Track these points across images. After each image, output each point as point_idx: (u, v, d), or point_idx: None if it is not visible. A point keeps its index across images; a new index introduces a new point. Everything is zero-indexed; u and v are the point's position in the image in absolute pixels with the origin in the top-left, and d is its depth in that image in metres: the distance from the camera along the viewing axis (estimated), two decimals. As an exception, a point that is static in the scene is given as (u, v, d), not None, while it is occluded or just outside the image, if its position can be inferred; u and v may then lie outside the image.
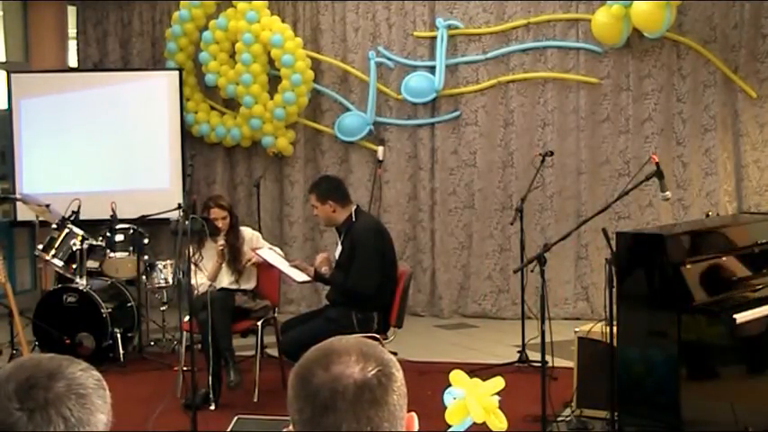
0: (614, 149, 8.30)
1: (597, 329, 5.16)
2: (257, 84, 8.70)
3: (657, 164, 4.99)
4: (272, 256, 6.09)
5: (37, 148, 8.87)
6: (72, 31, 9.79)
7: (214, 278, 6.20)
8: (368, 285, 5.59)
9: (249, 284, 6.32)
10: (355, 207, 5.83)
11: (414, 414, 1.49)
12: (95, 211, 7.58)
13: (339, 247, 5.84)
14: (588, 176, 8.33)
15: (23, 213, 8.41)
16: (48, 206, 7.36)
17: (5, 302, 6.61)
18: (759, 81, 7.99)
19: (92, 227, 7.38)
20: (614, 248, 4.76)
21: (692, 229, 5.47)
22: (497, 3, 8.53)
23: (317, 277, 5.84)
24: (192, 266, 5.64)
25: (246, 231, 6.41)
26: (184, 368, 5.83)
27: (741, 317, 4.49)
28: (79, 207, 7.28)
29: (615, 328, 4.77)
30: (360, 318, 5.60)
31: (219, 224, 6.17)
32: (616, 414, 4.78)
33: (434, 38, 8.60)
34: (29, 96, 8.90)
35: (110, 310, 7.00)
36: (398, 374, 1.46)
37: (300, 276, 5.87)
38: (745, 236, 5.26)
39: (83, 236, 7.07)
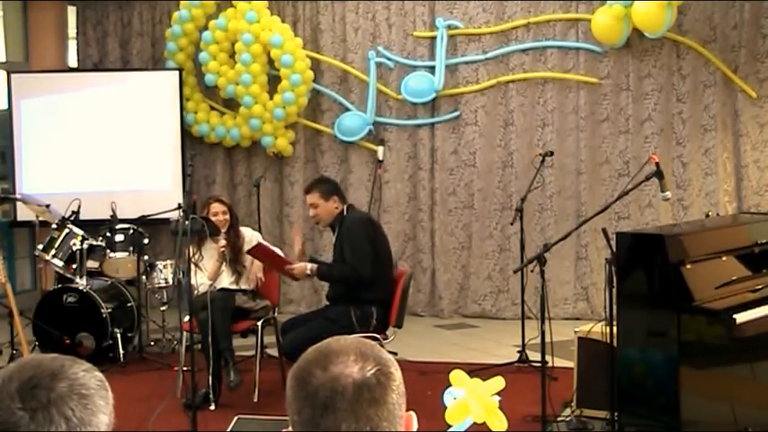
0: (614, 149, 8.30)
1: (597, 329, 5.16)
2: (257, 84, 8.70)
3: (657, 164, 5.00)
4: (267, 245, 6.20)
5: (37, 148, 8.87)
6: (72, 31, 9.79)
7: (215, 278, 6.20)
8: (366, 267, 5.62)
9: (249, 284, 6.32)
10: (346, 205, 5.90)
11: (412, 413, 1.49)
12: (95, 211, 7.59)
13: (333, 242, 5.89)
14: (588, 176, 8.33)
15: (23, 213, 8.41)
16: (48, 206, 7.36)
17: (5, 302, 6.61)
18: (759, 81, 7.99)
19: (92, 227, 7.38)
20: (614, 248, 4.76)
21: (692, 229, 5.47)
22: (497, 3, 8.53)
23: (318, 272, 5.87)
24: (192, 266, 5.65)
25: (246, 231, 6.42)
26: (184, 368, 5.82)
27: (741, 317, 4.49)
28: (79, 207, 7.28)
29: (615, 328, 4.78)
30: (358, 314, 5.61)
31: (220, 218, 6.19)
32: (616, 414, 4.78)
33: (434, 38, 8.60)
34: (29, 96, 8.91)
35: (110, 310, 7.01)
36: (397, 374, 1.46)
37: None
38: (745, 236, 5.26)
39: (83, 236, 7.07)
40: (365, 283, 5.63)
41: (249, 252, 6.10)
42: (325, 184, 5.98)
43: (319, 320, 5.72)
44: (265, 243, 6.26)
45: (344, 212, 5.83)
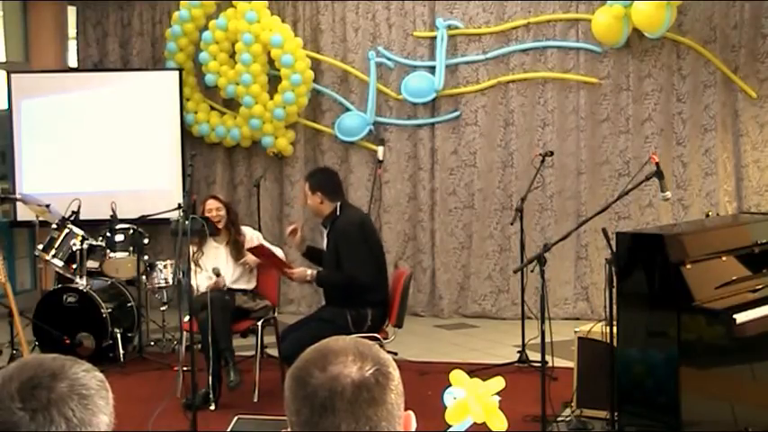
0: (614, 149, 8.31)
1: (597, 329, 5.16)
2: (257, 84, 8.70)
3: (657, 164, 5.00)
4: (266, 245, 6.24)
5: (37, 148, 8.87)
6: (72, 31, 9.79)
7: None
8: (366, 272, 5.56)
9: (249, 284, 6.32)
10: (340, 203, 5.73)
11: (411, 412, 1.49)
12: (95, 211, 7.59)
13: (325, 240, 5.83)
14: (588, 176, 8.33)
15: (23, 213, 8.41)
16: (48, 206, 7.36)
17: (5, 302, 6.62)
18: (759, 81, 7.99)
19: (92, 227, 7.38)
20: (614, 248, 4.77)
21: (691, 229, 5.48)
22: (497, 3, 8.53)
23: (318, 278, 5.82)
24: (193, 266, 5.64)
25: (248, 231, 6.42)
26: (184, 368, 5.82)
27: (741, 317, 4.49)
28: (79, 207, 7.28)
29: (615, 328, 4.78)
30: (353, 315, 5.57)
31: (214, 215, 6.20)
32: (616, 414, 4.78)
33: (434, 38, 8.60)
34: (29, 96, 8.91)
35: (110, 310, 7.01)
36: (395, 373, 1.46)
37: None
38: (745, 236, 5.26)
39: (83, 236, 7.07)
40: (367, 285, 5.59)
41: (250, 250, 6.10)
42: (315, 177, 5.84)
43: (315, 323, 5.69)
44: (267, 244, 6.27)
45: (337, 211, 5.68)
